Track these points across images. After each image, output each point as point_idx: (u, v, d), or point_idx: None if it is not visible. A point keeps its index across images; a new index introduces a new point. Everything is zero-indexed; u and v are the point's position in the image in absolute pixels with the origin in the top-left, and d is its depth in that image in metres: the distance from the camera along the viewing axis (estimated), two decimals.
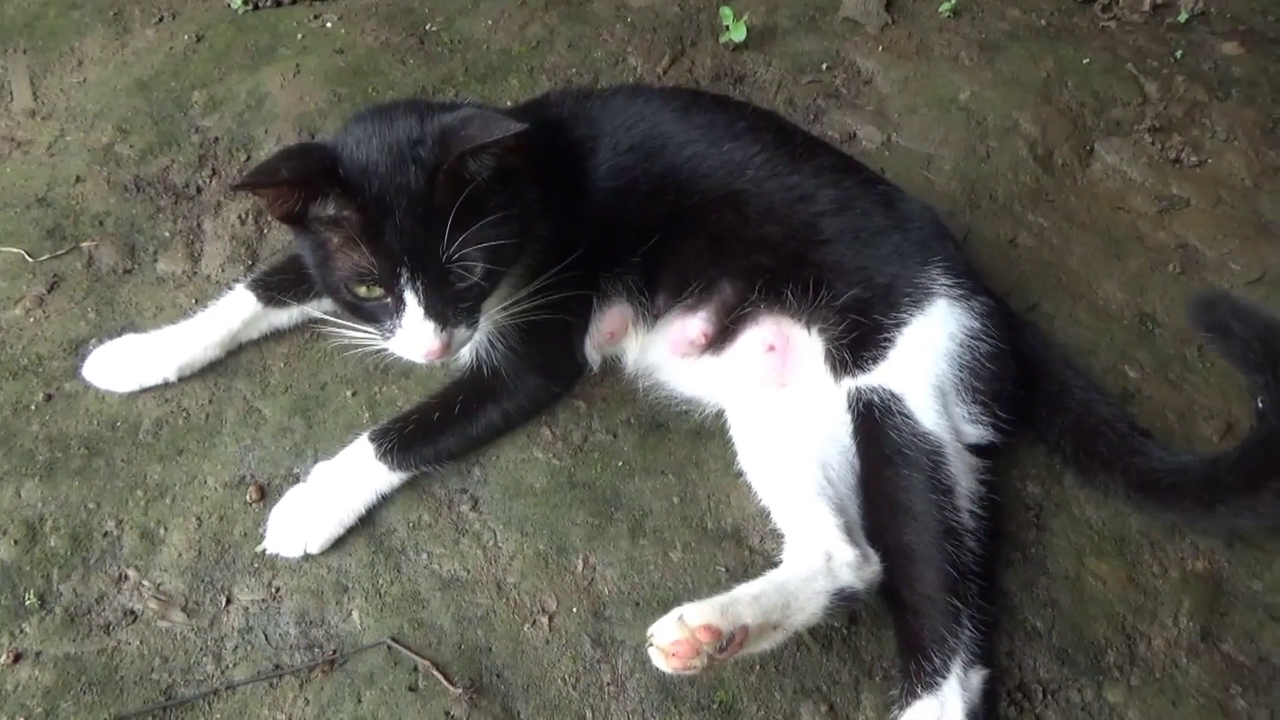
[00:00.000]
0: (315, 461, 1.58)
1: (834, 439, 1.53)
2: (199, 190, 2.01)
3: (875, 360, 1.51)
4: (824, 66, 2.31)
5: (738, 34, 2.29)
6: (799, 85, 2.27)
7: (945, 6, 2.42)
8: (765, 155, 1.61)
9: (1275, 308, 1.83)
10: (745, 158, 1.61)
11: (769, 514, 1.54)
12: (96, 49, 2.29)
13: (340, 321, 1.46)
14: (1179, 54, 2.37)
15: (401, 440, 1.54)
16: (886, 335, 1.51)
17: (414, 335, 1.35)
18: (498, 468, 1.63)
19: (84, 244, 1.89)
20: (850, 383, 1.52)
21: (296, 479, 1.59)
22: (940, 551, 1.39)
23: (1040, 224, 2.03)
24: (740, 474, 1.59)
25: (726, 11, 2.30)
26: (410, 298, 1.32)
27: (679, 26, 2.39)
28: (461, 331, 1.39)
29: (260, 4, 2.37)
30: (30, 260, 1.85)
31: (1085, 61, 2.34)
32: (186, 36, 2.32)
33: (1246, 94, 2.30)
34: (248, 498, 1.58)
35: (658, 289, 1.61)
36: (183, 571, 1.50)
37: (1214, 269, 1.98)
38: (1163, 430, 1.69)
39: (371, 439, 1.54)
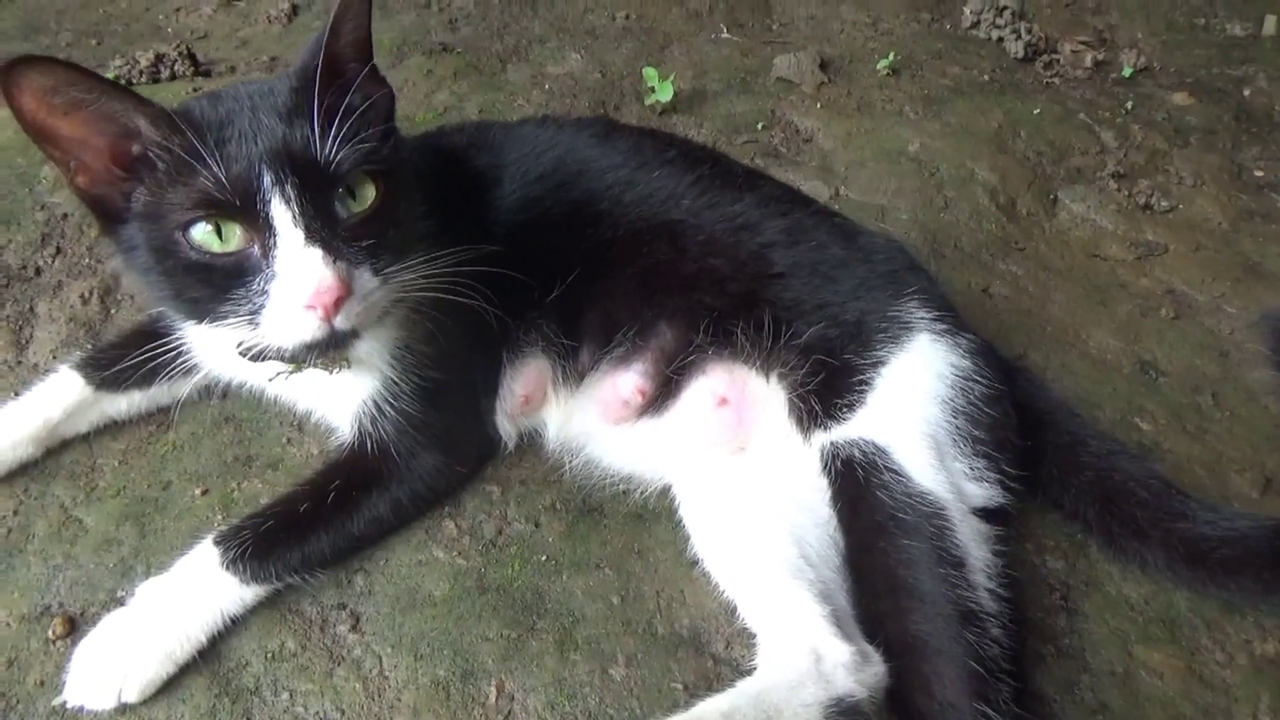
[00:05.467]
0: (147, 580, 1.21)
1: (809, 509, 1.22)
2: (38, 271, 1.69)
3: (851, 407, 1.22)
4: (759, 126, 2.13)
5: (664, 94, 2.11)
6: (734, 145, 2.09)
7: (883, 64, 2.29)
8: (702, 184, 1.38)
9: None
10: (679, 186, 1.37)
11: (735, 610, 1.21)
12: None
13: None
14: (1130, 105, 2.26)
15: (257, 542, 1.18)
16: (862, 377, 1.24)
17: (296, 273, 0.97)
18: (386, 574, 1.27)
19: None
20: (823, 437, 1.23)
21: (121, 604, 1.21)
22: (959, 643, 1.07)
23: (1014, 272, 1.81)
24: (695, 562, 1.27)
25: (650, 72, 2.12)
26: (280, 214, 0.98)
27: (600, 92, 2.21)
28: (366, 277, 1.02)
29: (133, 80, 2.13)
30: None
31: (1035, 112, 2.20)
32: None
33: (1206, 141, 2.18)
34: (51, 633, 1.19)
35: (581, 338, 1.33)
36: None
37: (1209, 313, 1.78)
38: (1193, 487, 1.41)
39: (217, 543, 1.19)
